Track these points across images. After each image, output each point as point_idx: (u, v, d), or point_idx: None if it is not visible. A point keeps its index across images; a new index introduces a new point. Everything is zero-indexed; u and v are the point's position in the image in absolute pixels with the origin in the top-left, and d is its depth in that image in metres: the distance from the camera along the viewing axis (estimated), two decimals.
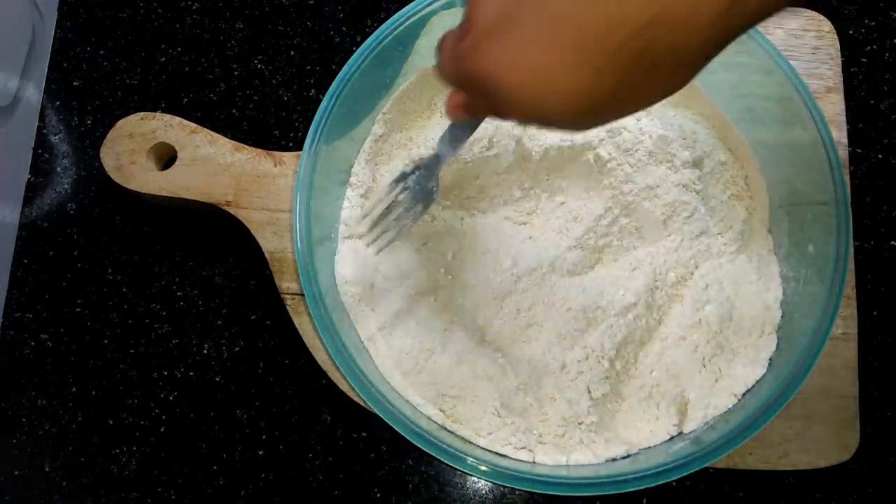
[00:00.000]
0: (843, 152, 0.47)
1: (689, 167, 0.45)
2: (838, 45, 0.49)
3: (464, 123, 0.36)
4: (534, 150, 0.46)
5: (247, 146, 0.47)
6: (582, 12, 0.23)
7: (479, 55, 0.26)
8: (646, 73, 0.24)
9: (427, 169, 0.41)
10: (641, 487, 0.38)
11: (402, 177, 0.41)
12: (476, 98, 0.30)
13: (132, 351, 0.48)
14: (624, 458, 0.41)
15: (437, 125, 0.48)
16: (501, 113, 0.29)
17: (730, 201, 0.46)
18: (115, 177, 0.46)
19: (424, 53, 0.47)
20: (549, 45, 0.24)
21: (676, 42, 0.23)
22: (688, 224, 0.45)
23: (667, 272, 0.45)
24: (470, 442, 0.42)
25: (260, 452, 0.46)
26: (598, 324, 0.44)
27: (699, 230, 0.45)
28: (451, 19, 0.46)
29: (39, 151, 0.52)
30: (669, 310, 0.45)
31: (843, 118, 0.48)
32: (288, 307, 0.45)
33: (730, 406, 0.42)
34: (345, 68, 0.44)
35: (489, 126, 0.45)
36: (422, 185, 0.41)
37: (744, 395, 0.42)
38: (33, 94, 0.53)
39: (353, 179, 0.47)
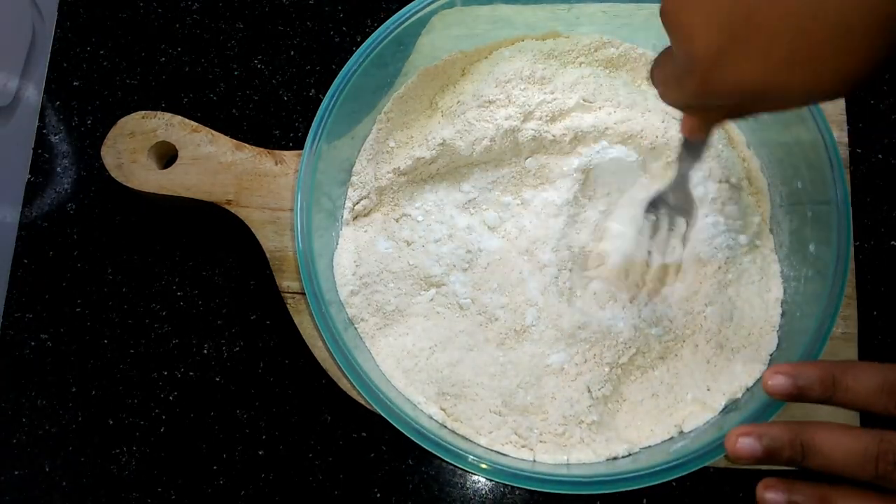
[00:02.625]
0: (844, 152, 0.47)
1: (722, 185, 0.45)
2: None
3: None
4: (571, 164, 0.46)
5: (248, 145, 0.47)
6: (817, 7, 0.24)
7: (724, 75, 0.27)
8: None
9: (677, 190, 0.42)
10: (641, 486, 0.38)
11: (653, 207, 0.43)
12: (715, 111, 0.32)
13: (132, 351, 0.48)
14: (624, 457, 0.41)
15: (438, 123, 0.48)
16: (747, 111, 0.31)
17: (748, 210, 0.46)
18: (116, 175, 0.46)
19: (425, 53, 0.47)
20: (805, 28, 0.24)
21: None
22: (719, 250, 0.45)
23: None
24: (470, 440, 0.42)
25: (260, 452, 0.46)
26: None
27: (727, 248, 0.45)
28: (451, 18, 0.46)
29: (39, 151, 0.52)
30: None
31: (844, 118, 0.48)
32: (288, 306, 0.45)
33: (730, 406, 0.42)
34: (345, 67, 0.44)
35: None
36: (679, 205, 0.43)
37: (744, 394, 0.42)
38: (33, 94, 0.53)
39: (353, 178, 0.47)
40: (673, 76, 0.30)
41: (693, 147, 0.39)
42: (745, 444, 0.32)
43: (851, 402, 0.33)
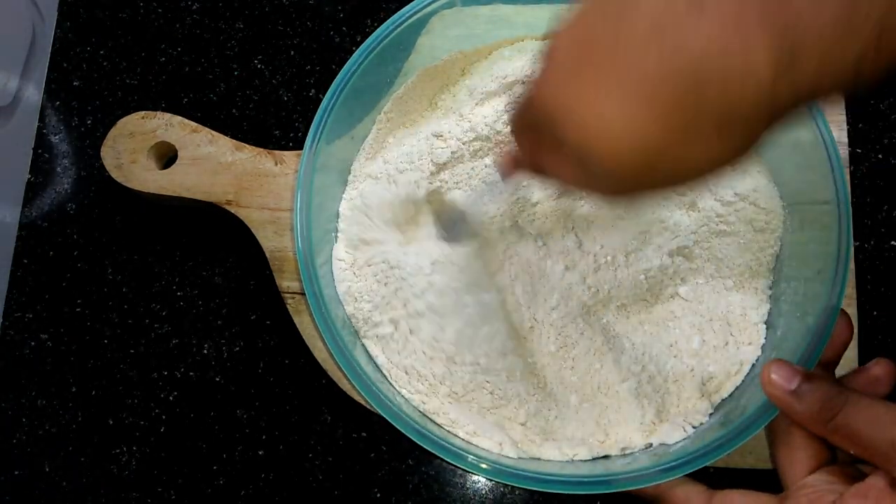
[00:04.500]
0: (844, 152, 0.47)
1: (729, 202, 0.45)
2: None
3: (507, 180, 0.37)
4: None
5: (247, 145, 0.47)
6: (651, 46, 0.22)
7: (542, 88, 0.26)
8: (694, 124, 0.23)
9: (461, 217, 0.43)
10: (641, 487, 0.38)
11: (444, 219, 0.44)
12: (528, 149, 0.30)
13: (132, 351, 0.48)
14: (625, 456, 0.41)
15: (436, 119, 0.47)
16: (546, 166, 0.29)
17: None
18: (116, 176, 0.46)
19: (425, 53, 0.47)
20: (608, 75, 0.23)
21: (727, 93, 0.22)
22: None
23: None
24: (471, 441, 0.42)
25: (260, 452, 0.46)
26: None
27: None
28: (451, 19, 0.46)
29: (39, 151, 0.52)
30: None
31: (844, 118, 0.48)
32: (288, 306, 0.45)
33: (729, 406, 0.42)
34: (345, 68, 0.44)
35: None
36: (454, 230, 0.43)
37: (734, 392, 0.42)
38: (33, 94, 0.53)
39: (353, 178, 0.47)
40: (521, 98, 0.29)
41: (498, 187, 0.38)
42: (778, 383, 0.34)
43: (852, 448, 0.33)
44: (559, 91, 0.25)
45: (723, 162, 0.24)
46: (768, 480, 0.39)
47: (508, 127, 0.31)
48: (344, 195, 0.47)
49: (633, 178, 0.25)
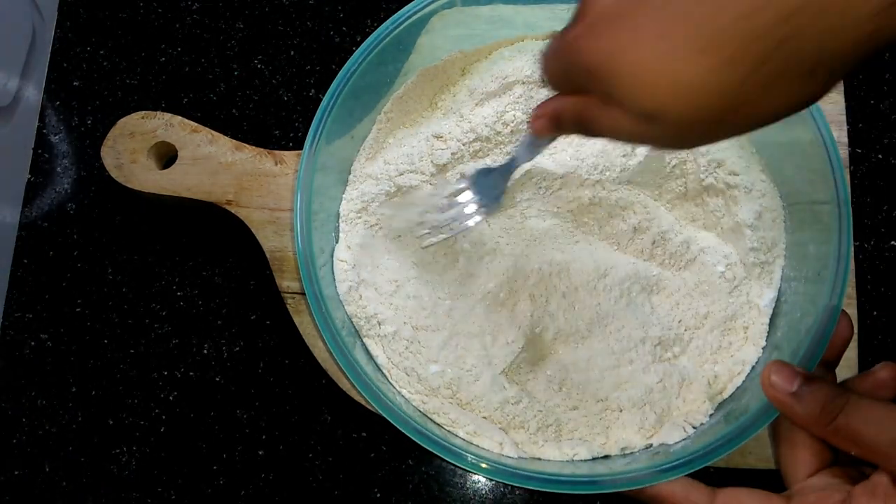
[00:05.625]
0: (844, 152, 0.47)
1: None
2: None
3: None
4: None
5: (247, 145, 0.47)
6: (725, 14, 0.20)
7: (589, 41, 0.24)
8: (782, 72, 0.21)
9: (498, 174, 0.40)
10: (642, 486, 0.38)
11: (472, 178, 0.41)
12: (571, 103, 0.27)
13: (132, 351, 0.48)
14: (625, 456, 0.41)
15: (437, 119, 0.47)
16: (596, 122, 0.26)
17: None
18: (116, 176, 0.46)
19: (425, 53, 0.47)
20: (674, 26, 0.21)
21: (825, 36, 0.20)
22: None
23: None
24: (471, 441, 0.42)
25: (260, 452, 0.46)
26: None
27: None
28: (451, 18, 0.46)
29: (39, 151, 0.52)
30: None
31: (844, 118, 0.48)
32: (288, 306, 0.45)
33: (730, 406, 0.42)
34: (345, 67, 0.44)
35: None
36: (489, 190, 0.41)
37: (735, 392, 0.42)
38: (33, 94, 0.53)
39: (353, 178, 0.47)
40: (560, 35, 0.27)
41: (537, 143, 0.36)
42: (779, 385, 0.33)
43: (853, 449, 0.33)
44: (613, 46, 0.23)
45: (808, 102, 0.23)
46: (768, 480, 0.39)
47: (540, 79, 0.29)
48: (344, 195, 0.47)
49: (707, 130, 0.23)
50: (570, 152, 0.47)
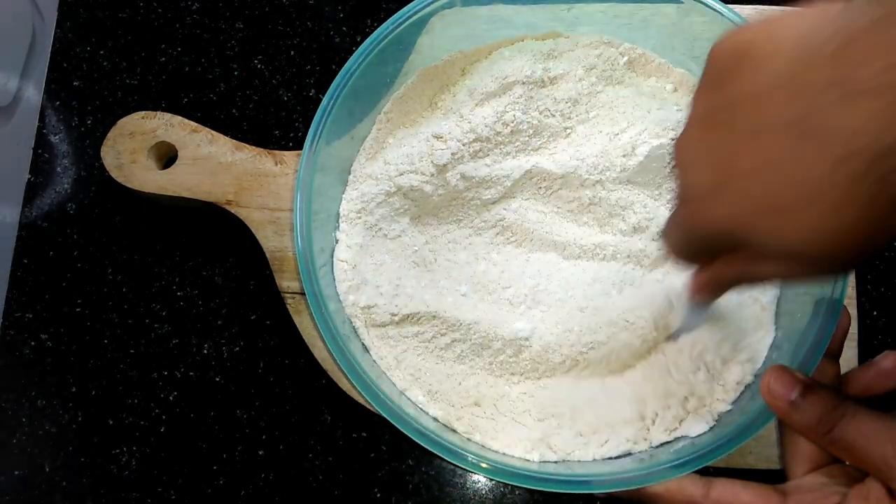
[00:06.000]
0: None
1: None
2: None
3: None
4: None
5: (247, 145, 0.47)
6: (806, 152, 0.22)
7: (707, 210, 0.26)
8: (889, 202, 0.22)
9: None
10: (642, 486, 0.38)
11: None
12: (725, 269, 0.30)
13: (132, 351, 0.48)
14: (625, 456, 0.41)
15: (436, 119, 0.48)
16: (756, 276, 0.29)
17: None
18: (116, 176, 0.46)
19: (425, 53, 0.47)
20: (779, 187, 0.23)
21: None
22: None
23: None
24: (470, 440, 0.42)
25: (260, 452, 0.46)
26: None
27: None
28: (451, 18, 0.46)
29: (39, 151, 0.52)
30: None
31: None
32: (288, 306, 0.45)
33: (730, 407, 0.42)
34: (345, 67, 0.44)
35: None
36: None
37: (742, 395, 0.42)
38: (33, 94, 0.53)
39: (353, 178, 0.47)
40: (674, 216, 0.30)
41: (697, 309, 0.38)
42: (778, 392, 0.34)
43: (848, 459, 0.33)
44: (728, 208, 0.26)
45: None
46: (768, 480, 0.39)
47: (673, 255, 0.32)
48: (344, 195, 0.47)
49: (851, 256, 0.25)
50: (570, 152, 0.47)
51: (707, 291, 0.33)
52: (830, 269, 0.27)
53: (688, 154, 0.27)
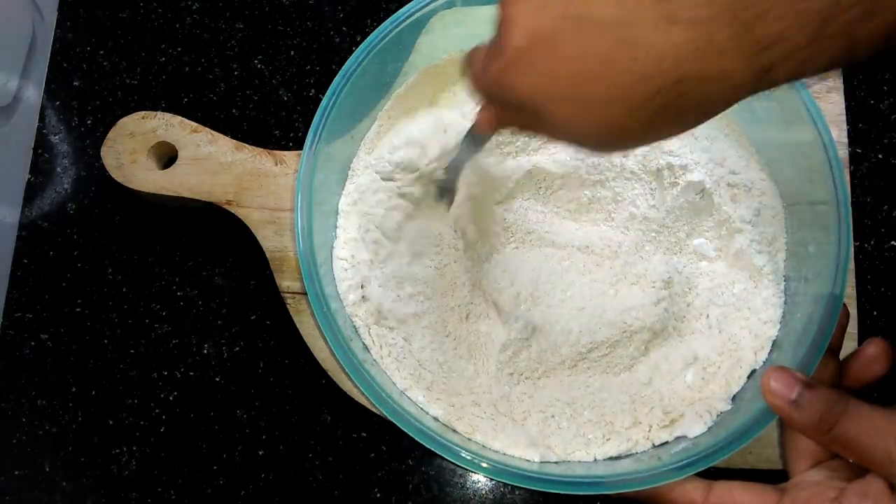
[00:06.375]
0: (843, 152, 0.47)
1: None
2: None
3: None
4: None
5: (247, 145, 0.47)
6: (620, 56, 0.25)
7: (514, 75, 0.28)
8: (674, 118, 0.26)
9: (449, 170, 0.44)
10: (643, 488, 0.38)
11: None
12: (506, 112, 0.31)
13: (132, 351, 0.48)
14: (626, 457, 0.41)
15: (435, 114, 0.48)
16: (531, 129, 0.31)
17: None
18: (116, 176, 0.46)
19: (425, 52, 0.47)
20: (585, 79, 0.26)
21: (705, 97, 0.25)
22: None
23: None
24: (471, 440, 0.42)
25: (260, 452, 0.46)
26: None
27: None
28: (451, 18, 0.46)
29: (39, 151, 0.52)
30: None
31: (844, 118, 0.48)
32: (288, 306, 0.45)
33: (729, 406, 0.42)
34: (344, 67, 0.44)
35: None
36: (443, 185, 0.44)
37: (742, 395, 0.42)
38: (33, 94, 0.53)
39: (351, 174, 0.47)
40: (484, 62, 0.31)
41: (478, 139, 0.40)
42: (778, 392, 0.34)
43: (851, 457, 0.33)
44: (536, 85, 0.27)
45: (682, 132, 0.27)
46: (769, 480, 0.39)
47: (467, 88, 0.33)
48: (343, 191, 0.47)
49: (604, 147, 0.29)
50: (570, 152, 0.47)
51: (490, 127, 0.34)
52: (595, 151, 0.31)
53: (515, 9, 0.28)
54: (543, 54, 0.26)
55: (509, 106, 0.30)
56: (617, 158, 0.46)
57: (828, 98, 0.48)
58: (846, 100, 0.48)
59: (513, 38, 0.27)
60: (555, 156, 0.47)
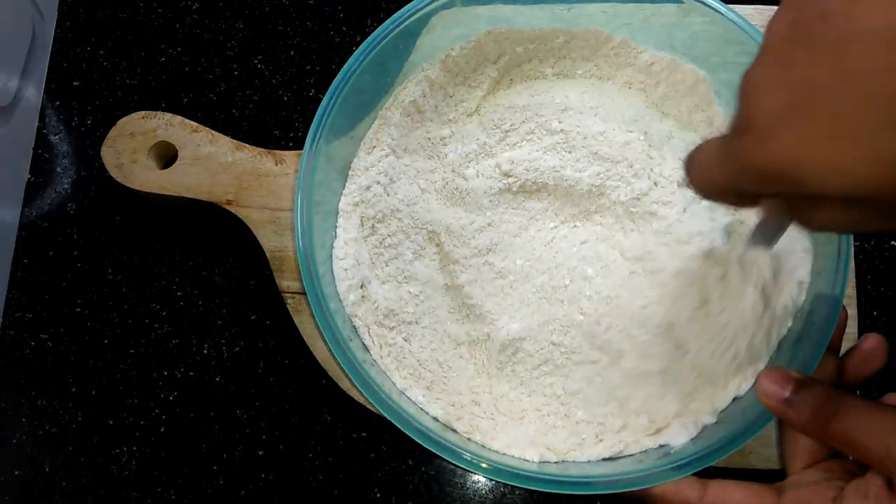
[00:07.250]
0: None
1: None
2: None
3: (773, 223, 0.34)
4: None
5: (247, 145, 0.47)
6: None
7: (770, 145, 0.24)
8: None
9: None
10: (643, 488, 0.38)
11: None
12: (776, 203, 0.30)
13: (132, 351, 0.48)
14: (626, 457, 0.41)
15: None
16: (808, 214, 0.27)
17: None
18: (116, 175, 0.46)
19: (425, 52, 0.47)
20: (852, 119, 0.22)
21: None
22: None
23: None
24: (470, 440, 0.42)
25: (260, 452, 0.46)
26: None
27: None
28: (451, 18, 0.46)
29: (39, 151, 0.52)
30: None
31: None
32: (288, 306, 0.45)
33: (728, 405, 0.42)
34: (345, 67, 0.44)
35: None
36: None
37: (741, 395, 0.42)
38: (33, 94, 0.53)
39: (352, 174, 0.47)
40: (718, 152, 0.28)
41: (768, 228, 0.35)
42: (771, 392, 0.34)
43: (849, 453, 0.33)
44: (799, 145, 0.23)
45: None
46: (768, 480, 0.39)
47: (692, 189, 0.30)
48: (343, 191, 0.47)
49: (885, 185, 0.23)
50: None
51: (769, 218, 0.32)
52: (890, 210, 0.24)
53: (756, 80, 0.25)
54: (803, 114, 0.23)
55: (749, 192, 0.27)
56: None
57: None
58: None
59: (761, 109, 0.24)
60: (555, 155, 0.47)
